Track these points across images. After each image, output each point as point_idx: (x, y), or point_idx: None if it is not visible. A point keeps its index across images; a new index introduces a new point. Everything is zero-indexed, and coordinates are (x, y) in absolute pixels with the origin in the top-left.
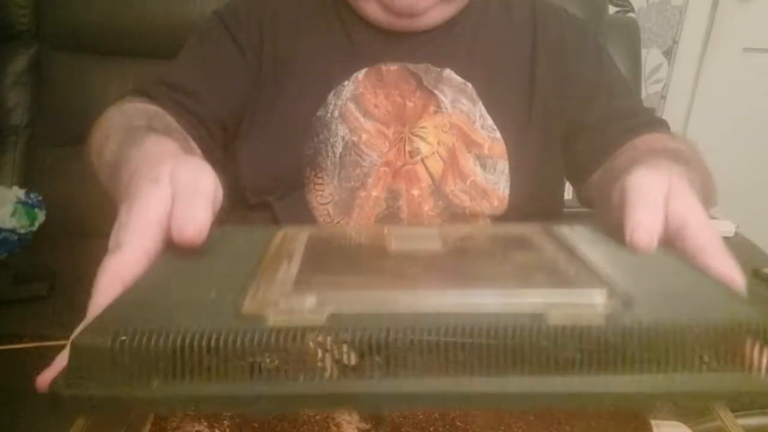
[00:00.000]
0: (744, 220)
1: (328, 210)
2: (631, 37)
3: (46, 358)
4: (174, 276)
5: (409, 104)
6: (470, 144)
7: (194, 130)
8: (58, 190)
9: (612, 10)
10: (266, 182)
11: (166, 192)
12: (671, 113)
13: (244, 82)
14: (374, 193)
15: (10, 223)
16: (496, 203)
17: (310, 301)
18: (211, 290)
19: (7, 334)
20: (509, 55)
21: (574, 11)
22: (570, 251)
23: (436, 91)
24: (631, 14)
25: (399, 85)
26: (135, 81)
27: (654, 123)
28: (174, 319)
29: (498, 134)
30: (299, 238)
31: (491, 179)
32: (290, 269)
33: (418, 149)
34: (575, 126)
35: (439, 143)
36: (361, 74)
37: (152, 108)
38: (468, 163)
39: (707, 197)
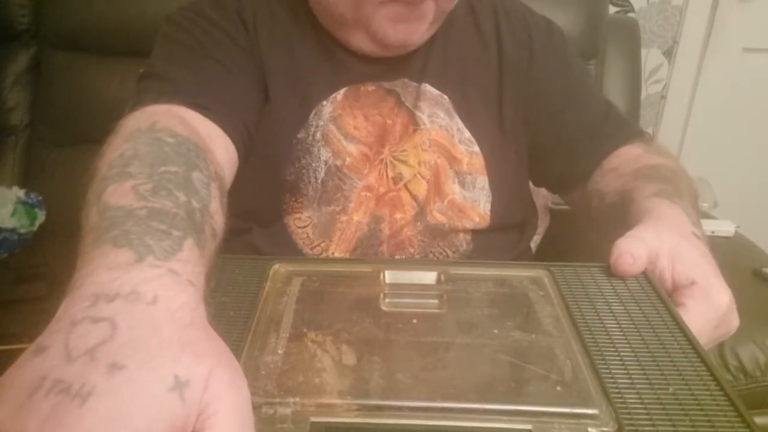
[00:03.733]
0: (744, 220)
1: (307, 233)
2: (631, 37)
3: None
4: None
5: (389, 122)
6: (451, 159)
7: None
8: (58, 190)
9: (612, 10)
10: (245, 209)
11: (192, 411)
12: (671, 113)
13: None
14: (356, 218)
15: (10, 223)
16: (477, 219)
17: (292, 408)
18: None
19: (7, 334)
20: (478, 65)
21: (574, 11)
22: (572, 325)
23: (413, 109)
24: (631, 14)
25: (377, 104)
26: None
27: (625, 131)
28: None
29: (476, 147)
30: (289, 291)
31: (469, 197)
32: (278, 346)
33: (401, 174)
34: (548, 139)
35: (419, 163)
36: (339, 94)
37: (184, 140)
38: (448, 180)
39: (695, 206)
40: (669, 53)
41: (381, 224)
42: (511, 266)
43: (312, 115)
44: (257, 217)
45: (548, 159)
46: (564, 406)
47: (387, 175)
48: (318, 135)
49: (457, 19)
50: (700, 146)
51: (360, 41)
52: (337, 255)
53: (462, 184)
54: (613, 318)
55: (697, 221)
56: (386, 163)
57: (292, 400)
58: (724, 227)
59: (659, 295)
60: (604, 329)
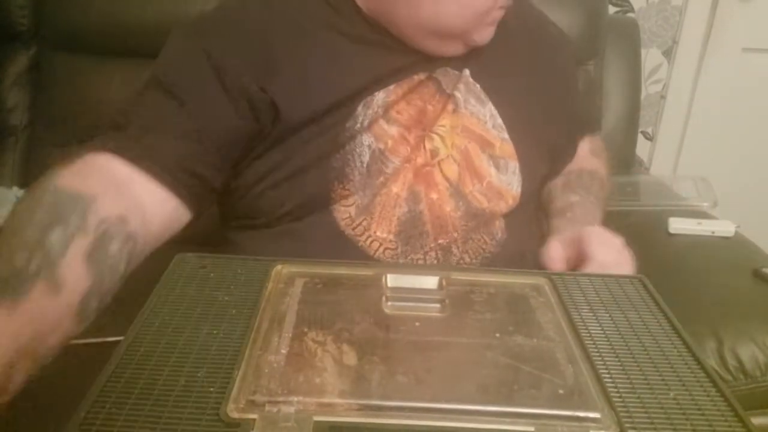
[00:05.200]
0: (744, 220)
1: (350, 213)
2: (631, 37)
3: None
4: (166, 341)
5: (429, 107)
6: (484, 144)
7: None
8: None
9: (612, 10)
10: (293, 204)
11: None
12: (671, 113)
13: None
14: (395, 190)
15: None
16: (510, 202)
17: (295, 407)
18: (200, 370)
19: None
20: (509, 54)
21: (574, 11)
22: (572, 331)
23: (454, 92)
24: (631, 14)
25: (419, 90)
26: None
27: (588, 124)
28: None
29: (506, 134)
30: (291, 292)
31: (504, 180)
32: (281, 345)
33: (437, 149)
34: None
35: (452, 146)
36: (391, 86)
37: (65, 197)
38: (483, 163)
39: (599, 206)
40: (669, 53)
41: (419, 204)
42: (512, 273)
43: (360, 106)
44: (306, 209)
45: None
46: (566, 409)
47: (425, 147)
48: (366, 123)
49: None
50: (700, 146)
51: (450, 48)
52: (379, 234)
53: (497, 167)
54: (613, 324)
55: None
56: (425, 139)
57: (295, 399)
58: (724, 227)
59: (657, 302)
60: (604, 335)
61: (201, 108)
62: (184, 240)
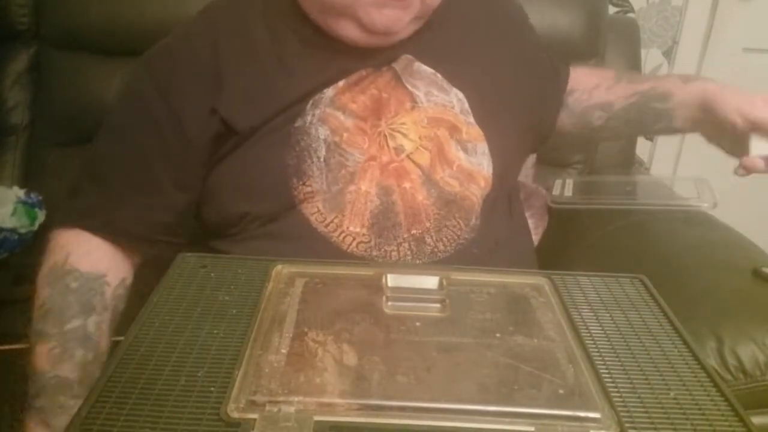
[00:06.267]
0: (744, 220)
1: (318, 207)
2: (631, 37)
3: None
4: (167, 341)
5: (384, 95)
6: (452, 129)
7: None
8: (58, 190)
9: (612, 10)
10: (253, 204)
11: None
12: None
13: (194, 154)
14: (363, 188)
15: (10, 222)
16: (482, 184)
17: (296, 407)
18: (200, 370)
19: (7, 334)
20: (467, 38)
21: (574, 11)
22: (573, 331)
23: (408, 86)
24: (631, 14)
25: (375, 80)
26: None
27: (559, 62)
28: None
29: (471, 118)
30: (292, 292)
31: (474, 161)
32: (281, 345)
33: (402, 146)
34: (526, 93)
35: (421, 138)
36: (341, 83)
37: (85, 282)
38: (452, 149)
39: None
40: (669, 53)
41: (392, 195)
42: (512, 273)
43: (309, 106)
44: (270, 212)
45: (531, 110)
46: (566, 409)
47: (388, 146)
48: (315, 120)
49: (444, 4)
50: (700, 146)
51: (347, 29)
52: (352, 229)
53: (465, 150)
54: (613, 324)
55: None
56: (385, 135)
57: (295, 399)
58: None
59: (657, 302)
60: (604, 335)
61: (151, 141)
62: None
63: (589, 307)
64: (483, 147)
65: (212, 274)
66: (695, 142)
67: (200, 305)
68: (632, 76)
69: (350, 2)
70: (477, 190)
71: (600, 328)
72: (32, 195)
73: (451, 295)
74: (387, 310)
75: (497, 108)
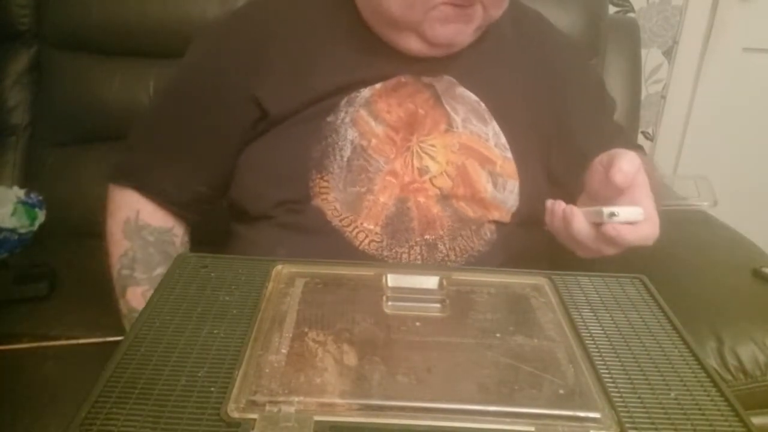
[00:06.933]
0: (744, 220)
1: (335, 206)
2: (631, 37)
3: (46, 358)
4: (167, 341)
5: (421, 111)
6: (483, 160)
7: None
8: (58, 190)
9: (612, 10)
10: (273, 189)
11: None
12: (671, 113)
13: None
14: (381, 199)
15: (10, 222)
16: (500, 215)
17: (296, 407)
18: (201, 370)
19: (7, 334)
20: (518, 75)
21: (574, 11)
22: (573, 331)
23: (448, 108)
24: (631, 14)
25: (413, 95)
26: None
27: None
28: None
29: (509, 153)
30: (292, 292)
31: (499, 197)
32: (281, 345)
33: (427, 168)
34: (563, 143)
35: (447, 163)
36: (378, 85)
37: (159, 236)
38: (481, 179)
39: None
40: (669, 53)
41: (407, 203)
42: (513, 273)
43: (343, 102)
44: (287, 200)
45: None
46: (567, 409)
47: (413, 165)
48: (347, 119)
49: (502, 32)
50: (700, 146)
51: (408, 42)
52: (366, 226)
53: (495, 184)
54: (614, 324)
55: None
56: (413, 153)
57: (295, 399)
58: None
59: (657, 302)
60: (605, 335)
61: (197, 112)
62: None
63: (590, 307)
64: (513, 185)
65: (212, 274)
66: (695, 141)
67: (200, 305)
68: None
69: (418, 20)
70: (494, 217)
71: (600, 328)
72: (32, 195)
73: (451, 295)
74: (387, 310)
75: (535, 150)
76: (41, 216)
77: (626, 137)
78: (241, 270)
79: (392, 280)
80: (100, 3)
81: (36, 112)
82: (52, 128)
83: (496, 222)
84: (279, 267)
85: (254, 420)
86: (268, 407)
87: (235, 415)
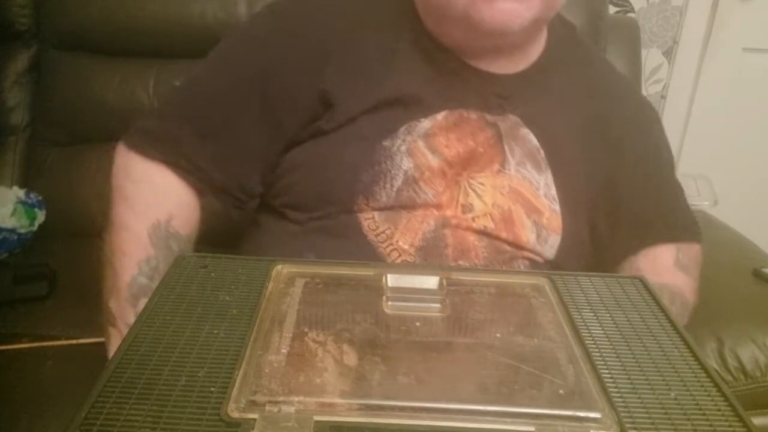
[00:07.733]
0: (744, 220)
1: (374, 216)
2: (631, 37)
3: (45, 358)
4: (167, 341)
5: (480, 150)
6: (531, 209)
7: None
8: (58, 190)
9: (612, 10)
10: (315, 201)
11: None
12: (671, 113)
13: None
14: (421, 220)
15: (10, 222)
16: (537, 258)
17: (296, 407)
18: (201, 370)
19: (7, 334)
20: (579, 126)
21: (575, 11)
22: (573, 331)
23: (506, 148)
24: (631, 14)
25: (475, 132)
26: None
27: (669, 226)
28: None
29: (557, 206)
30: (292, 292)
31: (539, 249)
32: (281, 345)
33: (472, 206)
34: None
35: (493, 205)
36: (440, 116)
37: (184, 245)
38: (525, 228)
39: None
40: (669, 53)
41: (446, 229)
42: (513, 273)
43: (402, 129)
44: (330, 211)
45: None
46: (567, 409)
47: (458, 200)
48: (404, 147)
49: (570, 68)
50: (700, 146)
51: (456, 30)
52: (401, 245)
53: (538, 235)
54: (614, 324)
55: None
56: (461, 188)
57: (295, 399)
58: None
59: (658, 303)
60: (604, 335)
61: (250, 89)
62: (198, 240)
63: (590, 307)
64: (555, 240)
65: (213, 274)
66: (695, 141)
67: (200, 305)
68: None
69: (464, 2)
70: (529, 257)
71: (600, 328)
72: (32, 195)
73: (451, 295)
74: (387, 310)
75: (582, 207)
76: (41, 216)
77: (675, 208)
78: (241, 270)
79: (392, 280)
80: (100, 3)
81: (35, 112)
82: (51, 128)
83: (530, 259)
84: (279, 267)
85: (254, 420)
86: (268, 407)
87: (235, 415)
